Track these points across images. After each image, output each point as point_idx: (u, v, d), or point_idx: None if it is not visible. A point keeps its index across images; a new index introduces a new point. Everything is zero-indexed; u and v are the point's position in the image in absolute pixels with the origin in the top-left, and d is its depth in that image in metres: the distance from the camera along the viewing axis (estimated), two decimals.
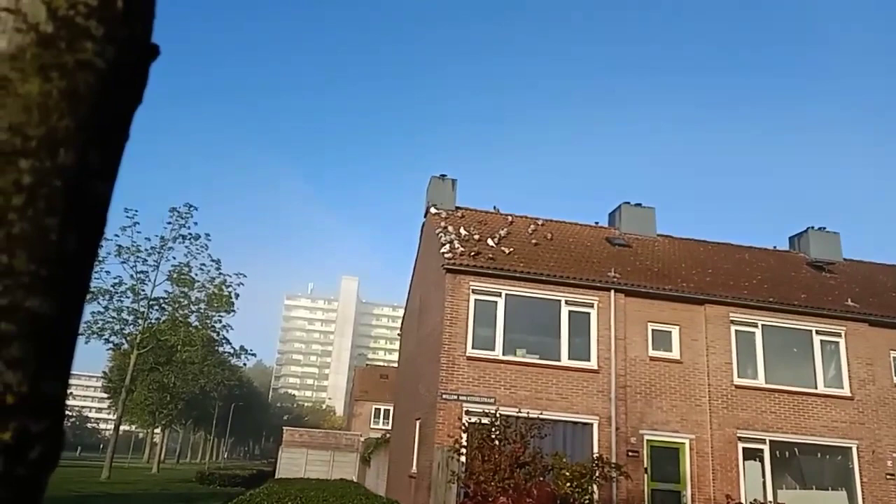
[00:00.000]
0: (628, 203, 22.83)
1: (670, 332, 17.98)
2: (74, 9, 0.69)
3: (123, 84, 0.75)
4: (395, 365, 36.63)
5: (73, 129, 0.68)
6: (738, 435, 17.33)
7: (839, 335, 18.64)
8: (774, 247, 24.11)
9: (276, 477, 40.64)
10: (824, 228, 23.83)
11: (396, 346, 34.28)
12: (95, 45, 0.70)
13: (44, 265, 0.66)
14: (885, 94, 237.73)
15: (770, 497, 16.61)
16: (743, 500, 15.90)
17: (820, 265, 22.28)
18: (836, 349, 18.67)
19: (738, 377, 17.84)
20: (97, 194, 0.73)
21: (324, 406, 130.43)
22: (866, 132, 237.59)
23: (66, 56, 0.68)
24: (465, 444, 14.33)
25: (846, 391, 18.25)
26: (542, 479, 13.33)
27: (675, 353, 17.82)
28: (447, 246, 17.80)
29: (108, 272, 37.55)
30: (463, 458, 14.40)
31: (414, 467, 19.02)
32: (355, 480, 39.78)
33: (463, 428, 14.78)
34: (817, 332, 18.60)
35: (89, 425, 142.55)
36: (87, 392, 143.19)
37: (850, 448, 17.80)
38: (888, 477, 17.69)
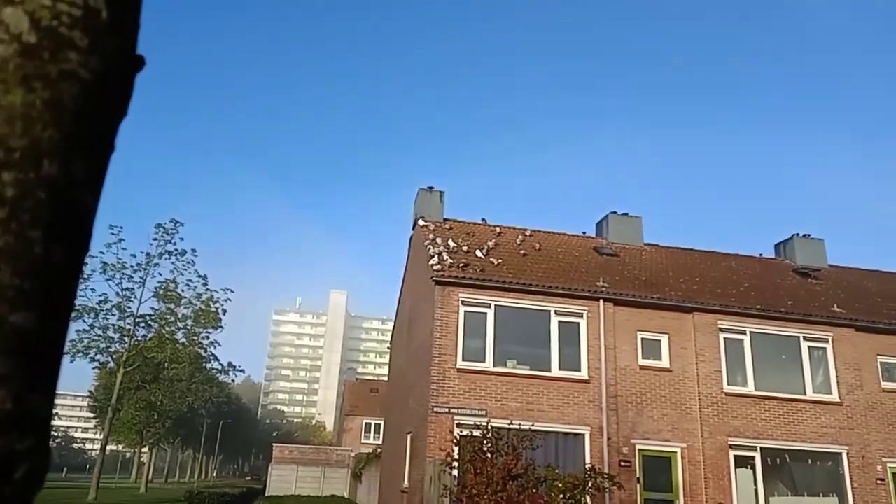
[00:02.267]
0: (615, 212, 22.94)
1: (659, 340, 18.03)
2: (58, 19, 0.68)
3: (108, 95, 0.74)
4: (386, 379, 36.44)
5: (58, 140, 0.67)
6: (730, 443, 17.36)
7: (826, 341, 18.77)
8: (760, 254, 24.31)
9: (266, 494, 40.18)
10: (809, 235, 24.07)
11: (386, 359, 34.14)
12: (80, 55, 0.70)
13: (28, 279, 0.65)
14: (868, 102, 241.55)
15: None
16: None
17: (806, 272, 22.48)
18: (823, 355, 18.79)
19: (728, 385, 17.90)
20: (82, 206, 0.71)
21: (314, 421, 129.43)
22: (849, 139, 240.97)
23: (50, 66, 0.67)
24: (456, 457, 14.26)
25: (835, 397, 18.36)
26: (534, 491, 13.27)
27: (664, 362, 17.87)
28: (436, 258, 17.79)
29: (93, 290, 37.20)
30: (455, 472, 14.32)
31: (406, 482, 18.87)
32: (346, 496, 39.41)
33: (454, 441, 14.71)
34: (805, 339, 18.72)
35: (75, 445, 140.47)
36: (73, 412, 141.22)
37: (840, 454, 17.88)
38: (878, 482, 17.76)
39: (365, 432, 53.02)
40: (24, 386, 0.65)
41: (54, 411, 0.72)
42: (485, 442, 13.68)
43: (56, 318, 0.69)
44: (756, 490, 17.21)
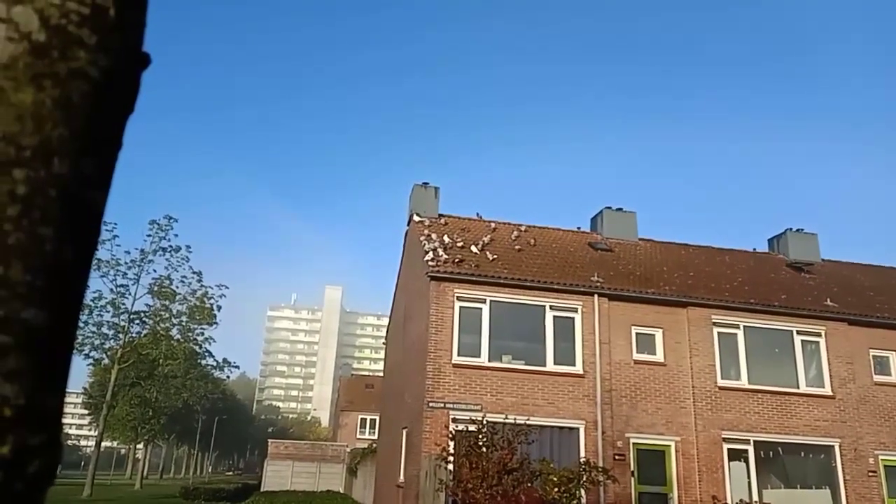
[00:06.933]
0: (610, 208, 22.97)
1: (654, 335, 18.09)
2: (67, 17, 0.69)
3: (116, 93, 0.75)
4: (381, 374, 36.48)
5: (67, 138, 0.68)
6: (723, 436, 17.45)
7: (819, 335, 18.88)
8: (754, 249, 24.40)
9: (261, 490, 40.23)
10: (802, 230, 24.17)
11: (382, 355, 34.17)
12: (88, 53, 0.70)
13: (40, 276, 0.65)
14: (861, 96, 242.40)
15: (755, 497, 16.74)
16: (729, 501, 16.02)
17: (799, 266, 22.58)
18: (816, 349, 18.90)
19: (722, 378, 17.99)
20: (92, 203, 0.72)
21: (309, 417, 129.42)
22: (843, 134, 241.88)
23: (59, 65, 0.68)
24: (452, 451, 14.29)
25: (827, 390, 18.48)
26: (529, 485, 13.33)
27: (658, 356, 17.94)
28: (431, 253, 17.80)
29: (87, 286, 36.94)
30: (451, 467, 14.36)
31: (401, 477, 18.92)
32: (342, 492, 39.49)
33: (450, 436, 14.74)
34: (798, 333, 18.82)
35: (69, 442, 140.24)
36: (67, 408, 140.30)
37: (833, 446, 18.01)
38: (870, 474, 17.90)
39: (360, 428, 53.10)
40: (36, 382, 0.66)
41: (65, 405, 0.73)
42: (480, 436, 13.72)
43: (66, 316, 0.70)
44: (749, 483, 17.32)
